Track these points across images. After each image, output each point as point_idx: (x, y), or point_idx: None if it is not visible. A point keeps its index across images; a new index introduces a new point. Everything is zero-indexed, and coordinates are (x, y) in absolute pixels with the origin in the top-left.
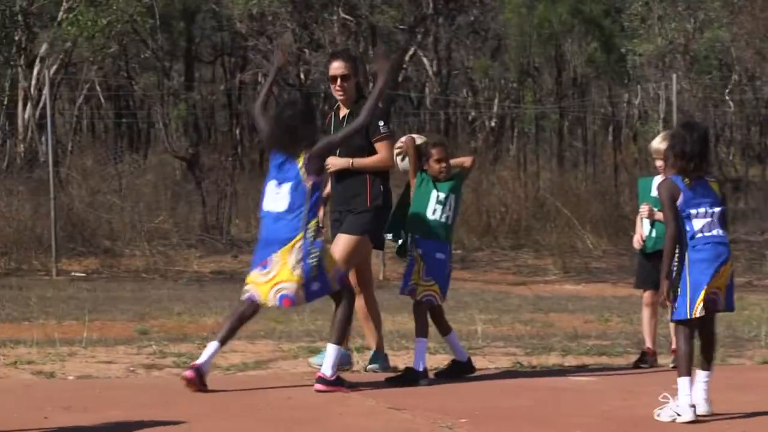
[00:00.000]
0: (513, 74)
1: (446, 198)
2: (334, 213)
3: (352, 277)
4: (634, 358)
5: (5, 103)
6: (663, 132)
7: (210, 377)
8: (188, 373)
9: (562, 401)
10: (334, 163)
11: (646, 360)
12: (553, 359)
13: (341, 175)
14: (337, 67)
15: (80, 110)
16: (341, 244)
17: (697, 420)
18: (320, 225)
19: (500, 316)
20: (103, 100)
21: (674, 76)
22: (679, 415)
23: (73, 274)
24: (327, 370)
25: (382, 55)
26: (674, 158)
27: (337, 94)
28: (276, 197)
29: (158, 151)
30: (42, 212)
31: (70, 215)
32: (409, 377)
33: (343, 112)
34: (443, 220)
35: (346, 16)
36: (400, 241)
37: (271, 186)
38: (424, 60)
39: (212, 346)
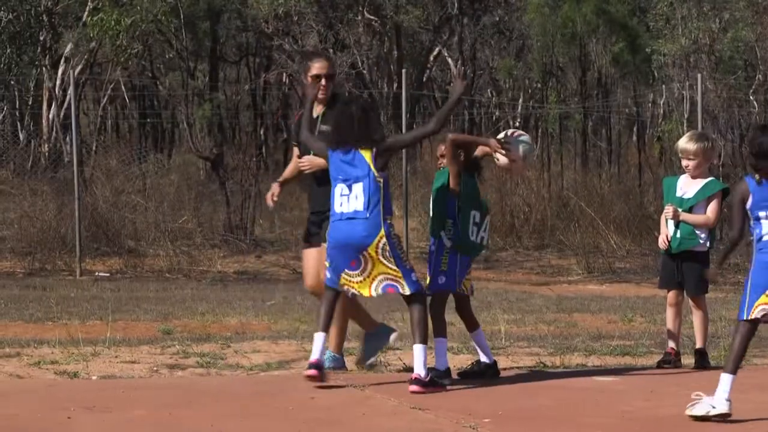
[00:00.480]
0: (537, 74)
1: (482, 217)
2: (314, 215)
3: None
4: (657, 358)
5: (30, 103)
6: (689, 132)
7: (233, 378)
8: (311, 372)
9: (585, 401)
10: (313, 162)
11: (669, 360)
12: (576, 359)
13: (324, 177)
14: (322, 66)
15: (105, 110)
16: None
17: (730, 414)
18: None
19: (524, 316)
20: (127, 100)
21: (699, 76)
22: (713, 407)
23: (96, 274)
24: (421, 371)
25: (461, 76)
26: (753, 158)
27: (320, 93)
28: (345, 199)
29: (182, 151)
30: (66, 212)
31: (94, 215)
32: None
33: (316, 111)
34: (479, 240)
35: (371, 17)
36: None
37: (339, 188)
38: (449, 60)
39: (318, 337)
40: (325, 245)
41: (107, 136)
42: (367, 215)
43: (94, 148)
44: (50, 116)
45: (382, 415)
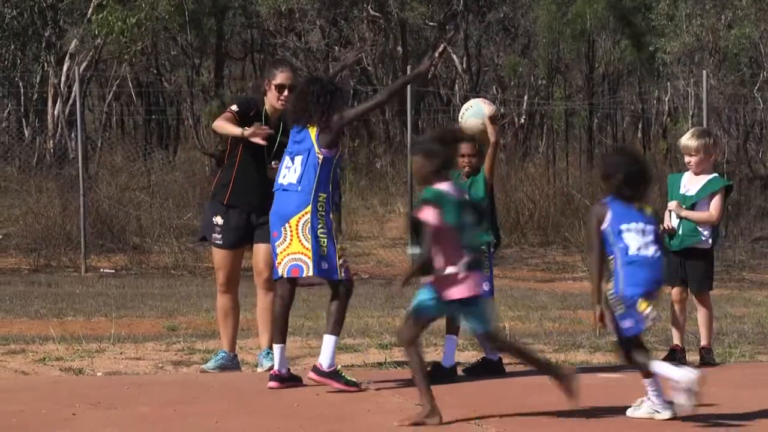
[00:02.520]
0: (542, 71)
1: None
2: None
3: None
4: (662, 355)
5: (35, 99)
6: (692, 128)
7: (238, 374)
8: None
9: (590, 398)
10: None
11: (674, 357)
12: (581, 356)
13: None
14: (286, 77)
15: (110, 107)
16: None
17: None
18: (334, 203)
19: (528, 312)
20: (133, 97)
21: (704, 72)
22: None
23: (102, 270)
24: (325, 361)
25: (431, 58)
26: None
27: (279, 104)
28: (287, 171)
29: (187, 147)
30: (71, 209)
31: (99, 212)
32: (439, 374)
33: (274, 121)
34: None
35: (375, 13)
36: None
37: (285, 160)
38: (454, 57)
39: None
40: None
41: (112, 132)
42: (298, 188)
43: (99, 144)
44: (55, 113)
45: (387, 412)
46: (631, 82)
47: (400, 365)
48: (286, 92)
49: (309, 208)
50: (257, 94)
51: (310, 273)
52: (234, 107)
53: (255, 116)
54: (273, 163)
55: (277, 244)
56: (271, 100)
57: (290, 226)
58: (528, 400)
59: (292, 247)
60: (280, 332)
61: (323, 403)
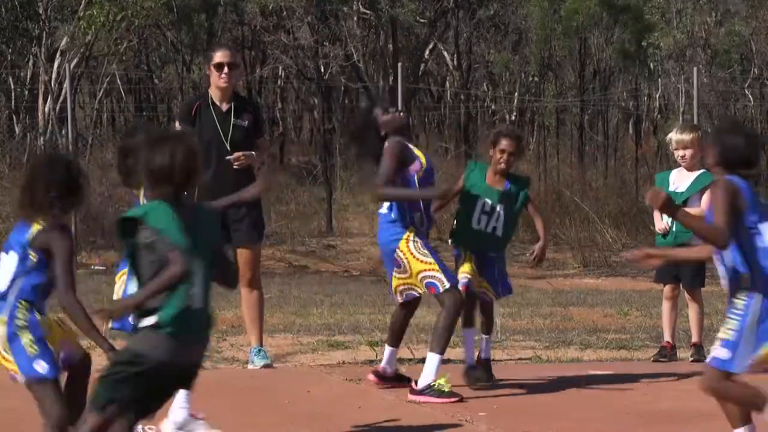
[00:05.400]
0: (534, 68)
1: (493, 208)
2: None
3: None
4: (653, 352)
5: (26, 96)
6: (681, 124)
7: (230, 371)
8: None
9: (581, 395)
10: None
11: (665, 354)
12: (572, 353)
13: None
14: (223, 54)
15: (101, 104)
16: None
17: None
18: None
19: (519, 309)
20: (123, 94)
21: (695, 69)
22: None
23: (93, 267)
24: (423, 380)
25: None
26: None
27: (222, 82)
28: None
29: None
30: None
31: (89, 209)
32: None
33: (225, 105)
34: (489, 230)
35: (365, 10)
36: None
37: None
38: (445, 54)
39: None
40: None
41: (103, 129)
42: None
43: (90, 141)
44: (46, 110)
45: (379, 409)
46: (624, 79)
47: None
48: (226, 69)
49: (406, 234)
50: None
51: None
52: (176, 124)
53: (201, 108)
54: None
55: (400, 271)
56: (215, 82)
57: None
58: (518, 395)
59: (415, 268)
60: (395, 337)
61: (315, 400)
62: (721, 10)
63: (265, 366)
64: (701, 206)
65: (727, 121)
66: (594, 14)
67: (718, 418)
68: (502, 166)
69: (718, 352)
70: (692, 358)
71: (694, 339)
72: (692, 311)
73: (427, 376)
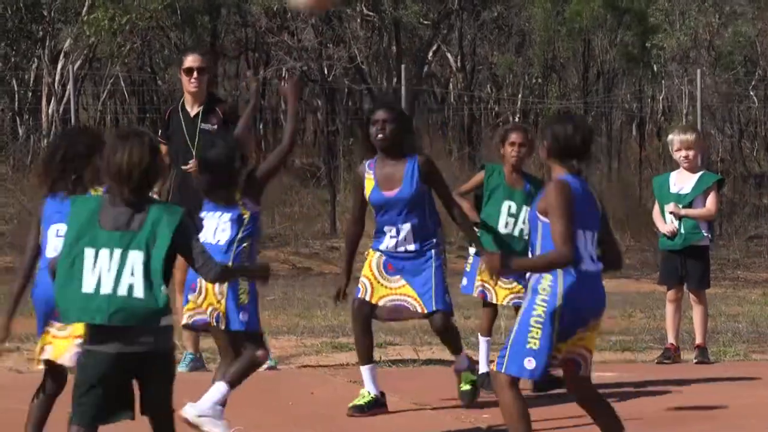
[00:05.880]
0: (537, 69)
1: (518, 209)
2: None
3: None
4: (657, 353)
5: (29, 98)
6: (680, 125)
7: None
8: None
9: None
10: None
11: (669, 356)
12: None
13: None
14: (193, 59)
15: (104, 105)
16: None
17: None
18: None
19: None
20: (127, 96)
21: (698, 71)
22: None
23: None
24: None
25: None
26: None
27: (192, 87)
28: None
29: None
30: None
31: None
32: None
33: (194, 110)
34: (517, 234)
35: (369, 12)
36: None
37: None
38: (449, 55)
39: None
40: None
41: (107, 131)
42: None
43: None
44: (50, 111)
45: (383, 411)
46: (628, 81)
47: (395, 364)
48: (195, 74)
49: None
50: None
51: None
52: (159, 137)
53: (172, 114)
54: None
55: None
56: (186, 87)
57: None
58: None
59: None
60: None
61: (318, 402)
62: (726, 12)
63: (270, 368)
64: (708, 206)
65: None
66: (598, 16)
67: (721, 419)
68: (514, 158)
69: None
70: (696, 360)
71: (698, 341)
72: (696, 313)
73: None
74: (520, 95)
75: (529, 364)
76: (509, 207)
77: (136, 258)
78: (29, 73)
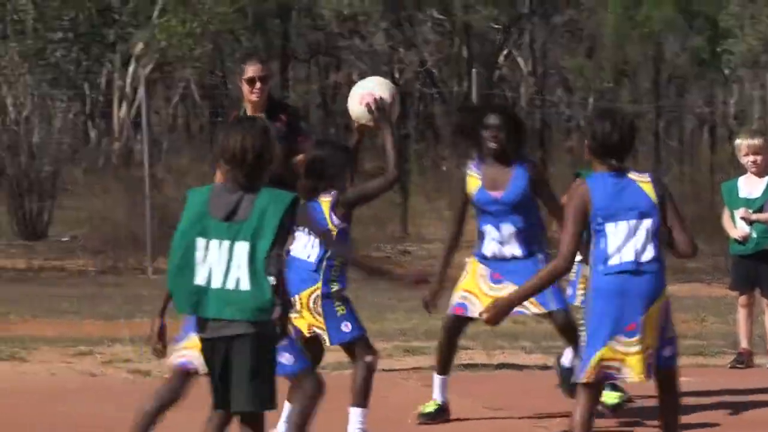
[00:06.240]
0: (608, 73)
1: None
2: None
3: None
4: (730, 358)
5: (101, 102)
6: (745, 129)
7: None
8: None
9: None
10: None
11: (742, 360)
12: None
13: None
14: (256, 69)
15: (175, 109)
16: None
17: None
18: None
19: None
20: (198, 99)
21: None
22: None
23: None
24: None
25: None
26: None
27: (254, 96)
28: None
29: None
30: (137, 211)
31: (165, 214)
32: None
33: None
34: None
35: (440, 16)
36: None
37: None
38: (519, 60)
39: None
40: None
41: (178, 135)
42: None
43: (165, 147)
44: (121, 115)
45: (455, 414)
46: (700, 85)
47: (467, 368)
48: (258, 84)
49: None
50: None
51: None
52: None
53: None
54: None
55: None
56: (247, 96)
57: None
58: None
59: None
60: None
61: (391, 406)
62: None
63: None
64: None
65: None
66: (669, 20)
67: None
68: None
69: None
70: None
71: None
72: None
73: None
74: (590, 99)
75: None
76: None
77: (242, 250)
78: (101, 78)
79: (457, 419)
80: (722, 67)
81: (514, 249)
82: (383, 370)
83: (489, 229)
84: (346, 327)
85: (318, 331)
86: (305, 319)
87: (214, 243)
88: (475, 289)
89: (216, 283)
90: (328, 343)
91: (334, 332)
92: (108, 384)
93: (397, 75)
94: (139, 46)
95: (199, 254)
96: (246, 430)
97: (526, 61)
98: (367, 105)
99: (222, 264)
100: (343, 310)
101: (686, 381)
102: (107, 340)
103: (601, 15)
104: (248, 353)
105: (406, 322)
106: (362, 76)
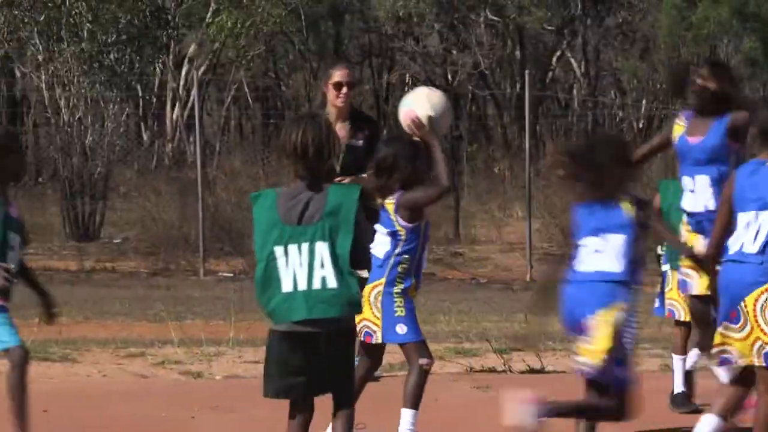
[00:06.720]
0: (661, 75)
1: None
2: None
3: None
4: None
5: (154, 103)
6: None
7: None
8: None
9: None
10: None
11: None
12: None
13: None
14: (342, 74)
15: (228, 111)
16: None
17: None
18: None
19: (648, 317)
20: (250, 101)
21: None
22: None
23: (220, 274)
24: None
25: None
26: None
27: (339, 102)
28: None
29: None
30: (189, 212)
31: (216, 216)
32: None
33: (339, 125)
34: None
35: (493, 17)
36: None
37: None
38: (572, 61)
39: None
40: None
41: (230, 136)
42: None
43: (217, 148)
44: (174, 116)
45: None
46: (751, 86)
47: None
48: (344, 90)
49: None
50: (321, 108)
51: (379, 340)
52: None
53: None
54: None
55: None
56: (332, 101)
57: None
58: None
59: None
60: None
61: (442, 408)
62: None
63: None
64: None
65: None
66: (725, 22)
67: None
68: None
69: None
70: None
71: None
72: None
73: None
74: (644, 101)
75: None
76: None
77: (322, 249)
78: (154, 79)
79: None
80: None
81: (709, 201)
82: (436, 372)
83: (686, 181)
84: (401, 329)
85: (373, 327)
86: (364, 315)
87: (292, 248)
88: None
89: (302, 286)
90: (379, 340)
91: (388, 331)
92: (159, 385)
93: (450, 77)
94: (192, 47)
95: (280, 262)
96: (341, 412)
97: (579, 63)
98: (408, 125)
99: (304, 267)
100: (402, 312)
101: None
102: (158, 342)
103: (655, 16)
104: (340, 347)
105: (457, 325)
106: (415, 78)
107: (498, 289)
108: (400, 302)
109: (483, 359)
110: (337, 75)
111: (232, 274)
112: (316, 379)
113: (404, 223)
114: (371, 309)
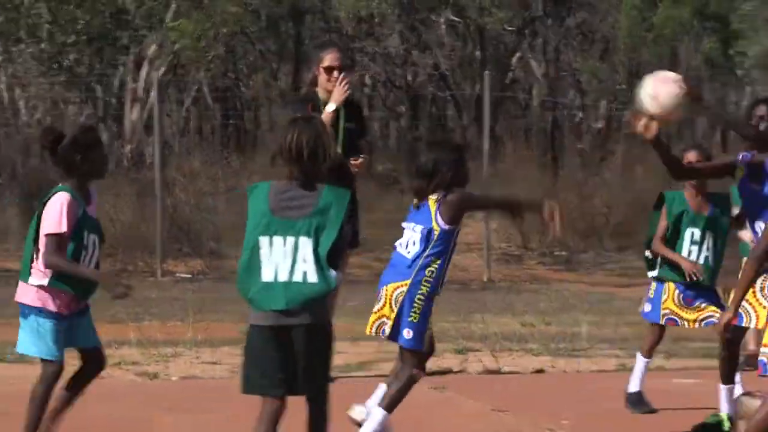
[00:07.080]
0: (621, 76)
1: (702, 236)
2: None
3: None
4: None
5: (113, 105)
6: None
7: None
8: None
9: (666, 404)
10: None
11: (750, 363)
12: (657, 361)
13: None
14: (334, 57)
15: (188, 112)
16: None
17: None
18: None
19: (605, 317)
20: (210, 102)
21: None
22: None
23: (178, 275)
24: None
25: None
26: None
27: (331, 85)
28: None
29: (265, 153)
30: (147, 214)
31: (175, 217)
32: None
33: (332, 106)
34: (702, 262)
35: (454, 18)
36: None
37: None
38: (532, 62)
39: None
40: None
41: (190, 137)
42: None
43: (176, 149)
44: (133, 117)
45: (464, 416)
46: (711, 87)
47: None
48: (335, 73)
49: None
50: (310, 88)
51: (387, 334)
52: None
53: (315, 112)
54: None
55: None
56: (323, 85)
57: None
58: (602, 404)
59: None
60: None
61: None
62: None
63: None
64: None
65: None
66: (685, 22)
67: None
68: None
69: None
70: None
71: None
72: None
73: None
74: (604, 102)
75: None
76: (692, 234)
77: (305, 244)
78: (113, 80)
79: (465, 421)
80: (735, 69)
81: None
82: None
83: (758, 227)
84: (408, 334)
85: (386, 322)
86: (380, 312)
87: (277, 240)
88: (750, 298)
89: (283, 278)
90: (386, 334)
91: (396, 330)
92: (115, 386)
93: (410, 77)
94: (152, 48)
95: (263, 251)
96: (316, 409)
97: (539, 64)
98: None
99: (287, 259)
100: (416, 318)
101: (693, 383)
102: (115, 343)
103: (615, 17)
104: (318, 343)
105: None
106: (375, 79)
107: (455, 289)
108: (418, 308)
109: (440, 360)
110: (328, 59)
111: (190, 275)
112: (293, 376)
113: (442, 223)
114: (390, 306)
